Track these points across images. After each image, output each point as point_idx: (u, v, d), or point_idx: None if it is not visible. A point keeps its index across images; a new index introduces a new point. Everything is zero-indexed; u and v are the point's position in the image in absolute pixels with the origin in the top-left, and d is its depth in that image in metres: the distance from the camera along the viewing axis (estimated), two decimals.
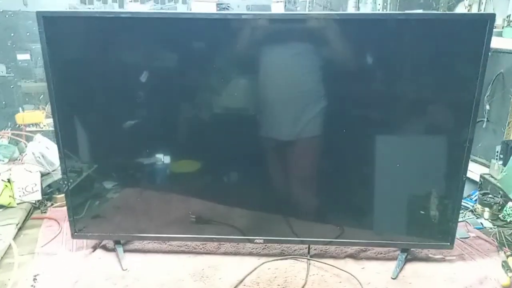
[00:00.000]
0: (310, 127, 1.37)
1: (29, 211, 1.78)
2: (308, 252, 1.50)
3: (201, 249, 1.55)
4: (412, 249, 1.51)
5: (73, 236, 1.49)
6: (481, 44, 1.22)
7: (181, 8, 2.23)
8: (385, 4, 2.39)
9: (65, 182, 1.43)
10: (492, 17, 1.19)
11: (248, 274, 1.39)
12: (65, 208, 1.47)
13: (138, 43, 1.32)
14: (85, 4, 2.10)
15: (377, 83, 1.34)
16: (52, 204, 1.86)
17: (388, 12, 2.14)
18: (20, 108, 2.35)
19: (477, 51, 1.23)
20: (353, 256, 1.51)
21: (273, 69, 1.32)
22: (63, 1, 2.23)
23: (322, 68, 1.31)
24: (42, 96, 2.35)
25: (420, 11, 2.26)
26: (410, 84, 1.34)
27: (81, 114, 1.39)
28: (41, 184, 1.85)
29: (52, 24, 1.26)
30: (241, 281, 1.36)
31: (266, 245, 1.56)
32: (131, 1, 2.11)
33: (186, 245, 1.56)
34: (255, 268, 1.42)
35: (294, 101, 1.35)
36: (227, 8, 2.21)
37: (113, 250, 1.51)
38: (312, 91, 1.33)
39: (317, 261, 1.47)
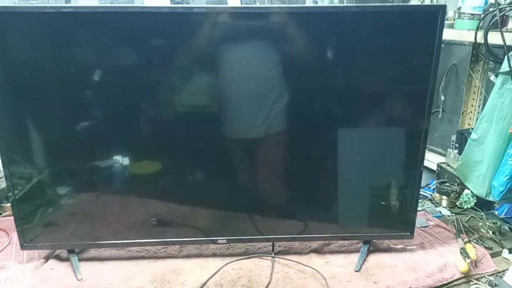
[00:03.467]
0: (273, 124, 1.35)
1: None
2: (273, 250, 1.49)
3: (162, 253, 1.49)
4: (374, 241, 1.53)
5: (22, 247, 1.40)
6: (433, 35, 1.24)
7: (135, 3, 2.14)
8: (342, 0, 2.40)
9: (11, 190, 1.34)
10: (443, 8, 1.21)
11: (211, 276, 1.36)
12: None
13: (86, 40, 1.25)
14: None
15: (335, 76, 1.34)
16: (0, 214, 1.75)
17: (342, 5, 2.15)
18: None
19: (430, 42, 1.25)
20: (317, 251, 1.50)
21: (233, 65, 1.29)
22: None
23: (282, 62, 1.29)
24: None
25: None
26: (367, 77, 1.35)
27: (28, 116, 1.30)
28: None
29: None
30: (204, 284, 1.32)
31: (230, 245, 1.52)
32: None
33: (146, 250, 1.50)
34: (219, 270, 1.39)
35: (258, 97, 1.33)
36: (182, 2, 2.15)
37: (67, 259, 1.43)
38: (276, 87, 1.31)
39: (281, 258, 1.45)
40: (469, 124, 2.04)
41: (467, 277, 1.37)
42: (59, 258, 1.45)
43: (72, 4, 2.02)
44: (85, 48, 1.26)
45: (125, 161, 1.37)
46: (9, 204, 1.72)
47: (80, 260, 1.43)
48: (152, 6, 1.30)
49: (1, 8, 1.21)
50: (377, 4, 1.26)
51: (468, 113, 2.05)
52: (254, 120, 1.36)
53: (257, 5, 2.44)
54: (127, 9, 1.23)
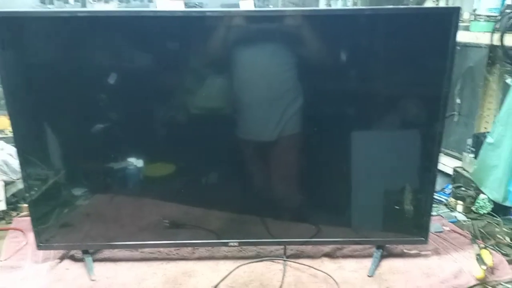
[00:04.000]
0: (287, 126, 1.35)
1: None
2: (284, 253, 1.48)
3: (174, 255, 1.50)
4: (387, 245, 1.51)
5: (38, 247, 1.42)
6: (447, 37, 1.22)
7: (148, 7, 2.17)
8: (355, 1, 2.39)
9: (28, 191, 1.36)
10: (456, 10, 1.20)
11: (223, 279, 1.36)
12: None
13: (102, 44, 1.27)
14: (44, 3, 2.01)
15: (349, 79, 1.34)
16: (17, 214, 1.78)
17: (356, 7, 2.14)
18: None
19: (444, 45, 1.23)
20: (329, 255, 1.49)
21: (247, 68, 1.29)
22: (22, 0, 2.13)
23: (297, 65, 1.29)
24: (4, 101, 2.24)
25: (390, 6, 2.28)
26: (381, 79, 1.34)
27: (44, 118, 1.33)
28: (5, 193, 1.76)
29: (8, 25, 1.20)
30: (216, 286, 1.33)
31: (241, 248, 1.52)
32: (95, 1, 2.04)
33: (158, 251, 1.51)
34: (230, 272, 1.39)
35: (271, 100, 1.33)
36: (196, 6, 2.17)
37: (82, 260, 1.45)
38: (290, 90, 1.31)
39: (293, 261, 1.44)
40: (485, 128, 2.00)
41: (483, 284, 1.34)
42: (73, 258, 1.47)
43: (88, 8, 2.06)
44: (101, 51, 1.28)
45: (139, 163, 1.39)
46: (26, 205, 1.76)
47: (94, 260, 1.45)
48: (166, 10, 1.32)
49: (20, 13, 1.24)
50: (391, 6, 1.25)
51: (485, 117, 2.01)
52: (268, 123, 1.36)
53: (271, 8, 2.44)
54: (142, 13, 1.24)
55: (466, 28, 1.80)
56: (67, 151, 1.38)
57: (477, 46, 1.97)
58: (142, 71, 1.30)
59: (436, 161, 1.35)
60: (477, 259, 1.40)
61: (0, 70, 1.24)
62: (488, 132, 1.73)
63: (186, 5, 2.12)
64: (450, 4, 2.19)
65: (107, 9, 1.68)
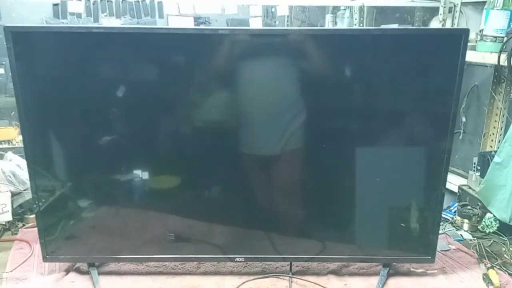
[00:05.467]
0: (290, 141, 1.35)
1: None
2: (290, 270, 1.47)
3: (179, 269, 1.50)
4: (394, 264, 1.50)
5: (44, 259, 1.42)
6: (456, 58, 1.23)
7: (158, 23, 2.21)
8: (361, 18, 2.42)
9: (36, 202, 1.37)
10: (466, 32, 1.21)
11: None
12: (37, 229, 1.40)
13: (113, 58, 1.29)
14: (59, 18, 2.05)
15: (356, 97, 1.34)
16: (23, 225, 1.78)
17: (365, 27, 2.16)
18: None
19: (453, 64, 1.24)
20: (336, 272, 1.48)
21: (254, 83, 1.31)
22: (37, 15, 2.17)
23: (302, 82, 1.30)
24: (13, 112, 2.27)
25: (396, 25, 2.31)
26: (389, 98, 1.34)
27: (54, 130, 1.34)
28: (12, 204, 1.76)
29: (21, 39, 1.22)
30: None
31: (247, 264, 1.52)
32: (106, 16, 2.08)
33: (164, 265, 1.51)
34: None
35: (276, 115, 1.34)
36: (205, 23, 2.20)
37: (87, 273, 1.45)
38: (294, 105, 1.32)
39: (299, 278, 1.44)
40: (491, 146, 2.00)
41: None
42: (79, 271, 1.47)
43: (98, 24, 2.10)
44: (110, 66, 1.30)
45: (145, 175, 1.39)
46: (32, 216, 1.77)
47: (99, 273, 1.44)
48: (179, 27, 1.34)
49: (33, 28, 1.26)
50: (400, 27, 1.28)
51: (490, 135, 2.02)
52: (271, 137, 1.36)
53: (278, 28, 2.47)
54: (154, 30, 1.27)
55: (473, 48, 1.82)
56: (74, 163, 1.39)
57: (483, 65, 1.99)
58: (150, 85, 1.32)
59: (444, 179, 1.35)
60: (484, 279, 1.39)
61: (13, 82, 1.26)
62: (494, 150, 1.74)
63: (195, 20, 2.16)
64: (456, 24, 2.21)
65: (120, 26, 1.71)
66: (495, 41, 1.73)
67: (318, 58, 1.26)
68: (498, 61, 1.67)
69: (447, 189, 2.01)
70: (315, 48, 1.25)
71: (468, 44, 1.22)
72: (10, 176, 1.78)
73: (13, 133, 2.23)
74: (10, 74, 2.19)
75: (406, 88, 1.33)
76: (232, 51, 1.24)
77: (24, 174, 1.79)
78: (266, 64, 1.29)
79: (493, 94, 1.94)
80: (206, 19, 2.16)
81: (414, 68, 1.29)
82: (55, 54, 1.28)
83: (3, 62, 2.25)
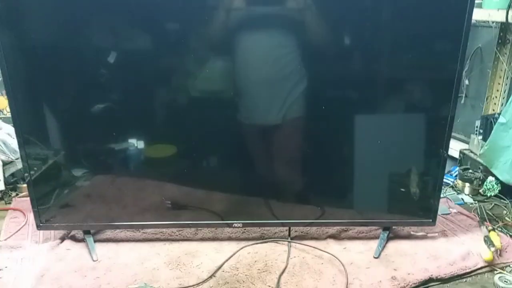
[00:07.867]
0: (291, 110, 1.32)
1: None
2: (289, 235, 1.46)
3: (177, 235, 1.48)
4: (394, 227, 1.49)
5: (38, 228, 1.40)
6: (462, 16, 1.17)
7: None
8: None
9: (27, 171, 1.33)
10: None
11: (227, 260, 1.34)
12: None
13: (105, 22, 1.23)
14: None
15: (356, 61, 1.29)
16: (17, 194, 1.76)
17: None
18: None
19: (458, 24, 1.19)
20: (335, 237, 1.47)
21: (252, 51, 1.26)
22: None
23: (301, 48, 1.25)
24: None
25: None
26: (390, 61, 1.29)
27: (44, 98, 1.29)
28: (4, 173, 1.73)
29: (4, 3, 1.15)
30: (220, 267, 1.30)
31: (245, 229, 1.50)
32: None
33: (161, 232, 1.49)
34: (234, 253, 1.37)
35: (276, 83, 1.29)
36: None
37: (83, 240, 1.43)
38: (294, 73, 1.27)
39: (298, 243, 1.42)
40: (493, 110, 1.96)
41: (491, 266, 1.32)
42: (74, 238, 1.45)
43: None
44: (101, 30, 1.24)
45: (140, 144, 1.36)
46: (25, 185, 1.73)
47: (95, 241, 1.43)
48: None
49: None
50: None
51: (493, 98, 1.97)
52: (272, 106, 1.33)
53: None
54: None
55: (478, 5, 1.74)
56: (67, 131, 1.35)
57: (487, 26, 1.92)
58: (143, 50, 1.27)
59: (447, 144, 1.32)
60: (485, 241, 1.38)
61: None
62: (498, 113, 1.69)
63: None
64: None
65: None
66: None
67: (317, 23, 1.21)
68: (506, 18, 1.59)
69: (448, 154, 2.00)
70: (313, 12, 1.20)
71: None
72: (1, 145, 1.74)
73: (3, 102, 2.16)
74: None
75: (409, 51, 1.27)
76: (226, 14, 1.20)
77: (15, 143, 1.75)
78: (265, 31, 1.23)
79: (498, 55, 1.88)
80: None
81: (416, 28, 1.23)
82: (43, 17, 1.22)
83: None
